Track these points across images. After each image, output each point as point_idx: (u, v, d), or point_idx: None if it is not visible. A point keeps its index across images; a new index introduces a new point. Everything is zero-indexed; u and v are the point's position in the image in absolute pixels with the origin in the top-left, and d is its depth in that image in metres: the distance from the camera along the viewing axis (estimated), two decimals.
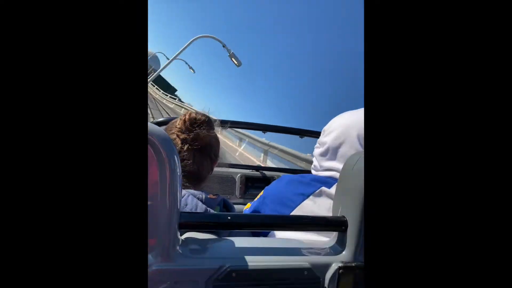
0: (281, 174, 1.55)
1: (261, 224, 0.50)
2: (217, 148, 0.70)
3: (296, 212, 0.62)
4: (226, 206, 0.68)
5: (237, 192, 1.50)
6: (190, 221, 0.45)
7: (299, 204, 0.62)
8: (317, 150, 0.72)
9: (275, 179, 0.99)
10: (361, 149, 0.64)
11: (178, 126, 0.65)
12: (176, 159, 0.42)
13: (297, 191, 0.64)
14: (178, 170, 0.42)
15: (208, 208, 0.60)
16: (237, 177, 1.51)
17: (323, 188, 0.62)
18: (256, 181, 1.53)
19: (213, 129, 0.68)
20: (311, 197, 0.62)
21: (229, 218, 0.46)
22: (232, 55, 7.59)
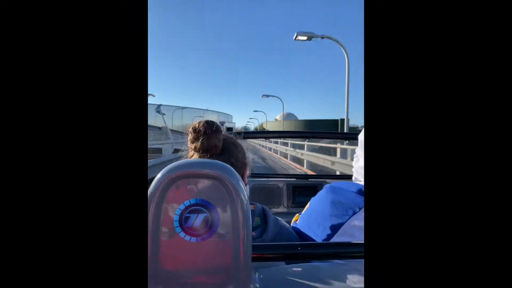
0: (327, 180, 1.53)
1: (333, 254, 0.49)
2: (237, 153, 0.66)
3: (344, 230, 0.61)
4: (266, 215, 0.66)
5: (285, 202, 1.49)
6: (261, 254, 0.45)
7: (345, 222, 0.62)
8: (356, 164, 0.72)
9: (322, 186, 0.97)
10: None
11: (189, 138, 0.64)
12: (246, 192, 0.41)
13: (342, 209, 0.63)
14: (248, 205, 0.41)
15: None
16: (283, 187, 1.49)
17: None
18: (302, 189, 1.51)
19: (220, 131, 0.64)
20: (357, 214, 0.62)
21: (299, 248, 0.46)
22: None
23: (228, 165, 0.40)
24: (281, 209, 1.49)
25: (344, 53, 8.11)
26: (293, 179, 1.56)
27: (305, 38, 7.86)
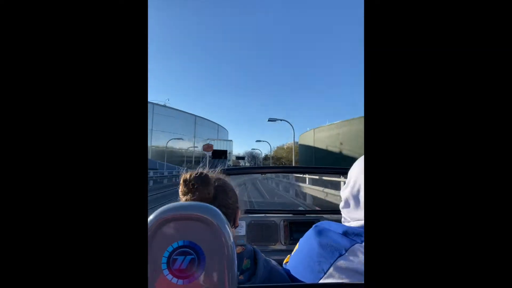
0: (324, 216, 1.51)
1: None
2: (227, 199, 0.68)
3: (331, 272, 0.60)
4: (256, 257, 0.67)
5: (282, 239, 1.46)
6: None
7: (330, 266, 0.62)
8: (342, 204, 0.75)
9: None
10: None
11: (180, 190, 0.67)
12: (230, 232, 0.41)
13: (329, 251, 0.64)
14: (234, 248, 0.41)
15: None
16: (280, 223, 1.47)
17: (356, 246, 0.62)
18: (300, 225, 1.48)
19: (210, 183, 0.67)
20: (343, 256, 0.62)
21: None
22: None
23: (215, 208, 0.41)
24: (279, 246, 1.46)
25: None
26: (289, 214, 1.54)
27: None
